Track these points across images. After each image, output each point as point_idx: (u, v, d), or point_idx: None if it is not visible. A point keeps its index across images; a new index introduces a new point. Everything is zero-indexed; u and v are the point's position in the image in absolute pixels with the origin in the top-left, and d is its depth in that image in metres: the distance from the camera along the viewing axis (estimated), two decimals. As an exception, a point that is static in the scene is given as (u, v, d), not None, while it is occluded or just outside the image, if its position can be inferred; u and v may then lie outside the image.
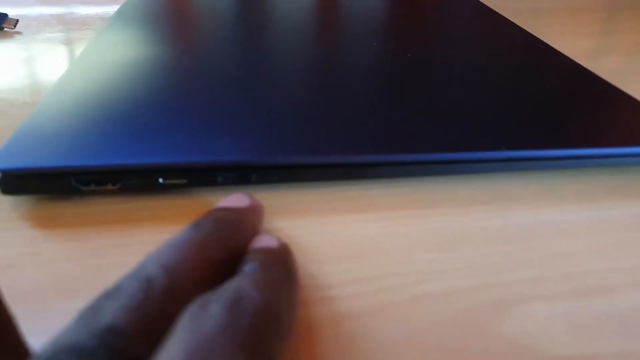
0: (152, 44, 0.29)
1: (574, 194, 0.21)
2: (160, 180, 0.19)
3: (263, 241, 0.15)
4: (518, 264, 0.17)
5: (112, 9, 0.44)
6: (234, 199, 0.16)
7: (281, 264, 0.14)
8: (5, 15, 0.37)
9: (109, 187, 0.19)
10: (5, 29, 0.37)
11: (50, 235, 0.17)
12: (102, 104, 0.22)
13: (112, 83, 0.24)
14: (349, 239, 0.18)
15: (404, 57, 0.29)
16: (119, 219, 0.18)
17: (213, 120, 0.21)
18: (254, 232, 0.16)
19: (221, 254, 0.13)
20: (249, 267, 0.13)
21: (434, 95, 0.24)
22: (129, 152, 0.19)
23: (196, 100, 0.22)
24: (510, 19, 0.38)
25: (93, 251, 0.17)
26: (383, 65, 0.28)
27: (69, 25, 0.39)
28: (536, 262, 0.17)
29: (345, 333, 0.14)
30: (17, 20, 0.37)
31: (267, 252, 0.14)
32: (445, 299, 0.15)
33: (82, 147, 0.19)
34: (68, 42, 0.36)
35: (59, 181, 0.18)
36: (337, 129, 0.21)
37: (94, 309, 0.11)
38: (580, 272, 0.17)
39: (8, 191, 0.18)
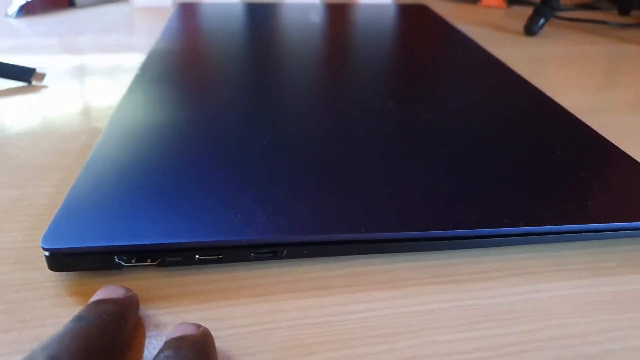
0: (177, 108, 0.31)
1: (589, 267, 0.22)
2: (197, 256, 0.20)
3: (180, 329, 0.16)
4: (541, 341, 0.18)
5: (132, 57, 0.46)
6: (110, 291, 0.17)
7: (199, 351, 0.14)
8: (34, 69, 0.39)
9: (149, 262, 0.20)
10: (34, 83, 0.39)
11: (97, 314, 0.18)
12: (137, 181, 0.23)
13: (144, 156, 0.25)
14: (368, 316, 0.19)
15: (419, 119, 0.30)
16: (156, 296, 0.19)
17: (246, 199, 0.22)
18: (133, 321, 0.17)
19: (103, 343, 0.14)
20: (162, 357, 0.14)
21: (450, 169, 0.25)
22: (167, 232, 0.20)
23: (228, 177, 0.24)
24: (517, 72, 0.39)
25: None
26: (400, 132, 0.29)
27: (92, 77, 0.41)
28: (559, 338, 0.18)
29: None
30: (45, 75, 0.39)
31: (183, 339, 0.15)
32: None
33: (122, 226, 0.20)
34: (94, 98, 0.37)
35: (103, 259, 0.20)
36: (360, 207, 0.22)
37: None
38: (599, 352, 0.18)
39: (56, 268, 0.20)
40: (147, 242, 0.19)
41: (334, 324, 0.18)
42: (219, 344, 0.17)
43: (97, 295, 0.17)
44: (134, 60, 0.45)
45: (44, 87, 0.39)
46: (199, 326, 0.16)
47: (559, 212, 0.22)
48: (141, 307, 0.19)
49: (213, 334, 0.17)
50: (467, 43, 0.48)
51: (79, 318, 0.15)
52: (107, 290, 0.17)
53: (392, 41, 0.48)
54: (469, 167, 0.25)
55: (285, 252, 0.20)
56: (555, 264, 0.22)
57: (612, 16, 0.70)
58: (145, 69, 0.37)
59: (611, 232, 0.22)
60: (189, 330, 0.15)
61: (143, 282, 0.20)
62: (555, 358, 0.17)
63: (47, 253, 0.19)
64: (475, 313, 0.19)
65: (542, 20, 0.58)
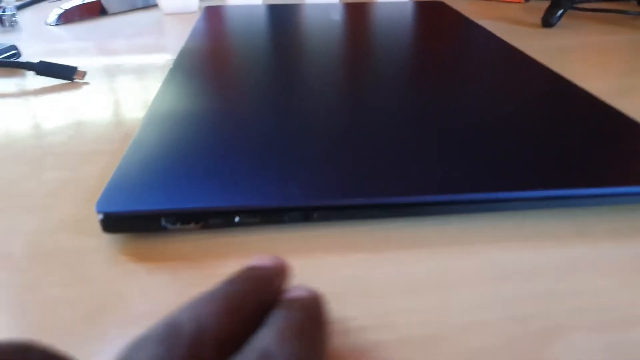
0: (211, 94, 0.33)
1: (608, 232, 0.23)
2: (237, 219, 0.22)
3: (293, 292, 0.16)
4: (556, 297, 0.19)
5: (162, 57, 0.49)
6: (263, 259, 0.17)
7: (310, 312, 0.14)
8: (75, 68, 0.41)
9: (192, 225, 0.22)
10: (76, 80, 0.41)
11: (148, 269, 0.20)
12: (179, 154, 0.25)
13: (185, 133, 0.27)
14: (395, 275, 0.20)
15: (439, 100, 0.32)
16: (203, 254, 0.21)
17: (280, 168, 0.24)
18: (283, 288, 0.16)
19: (252, 306, 0.14)
20: (276, 317, 0.14)
21: (471, 137, 0.27)
22: (210, 196, 0.22)
23: (263, 150, 0.26)
24: (537, 60, 0.40)
25: (186, 281, 0.20)
26: (420, 109, 0.30)
27: (128, 74, 0.44)
28: (574, 296, 0.19)
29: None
30: (86, 72, 0.42)
31: (296, 301, 0.15)
32: (486, 331, 0.17)
33: (169, 192, 0.22)
34: (132, 91, 0.40)
35: (151, 221, 0.22)
36: (386, 172, 0.23)
37: None
38: (618, 304, 0.18)
39: (109, 230, 0.22)
40: (191, 206, 0.21)
41: (363, 279, 0.20)
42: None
43: (250, 263, 0.17)
44: (165, 59, 0.48)
45: (85, 83, 0.41)
46: (311, 290, 0.16)
47: (579, 176, 0.23)
48: (189, 265, 0.21)
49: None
50: (487, 35, 0.49)
51: (229, 282, 0.15)
52: (259, 258, 0.17)
53: (412, 35, 0.49)
54: (494, 137, 0.27)
55: (315, 215, 0.22)
56: (576, 229, 0.23)
57: (631, 6, 0.70)
58: (177, 64, 0.39)
59: (633, 196, 0.23)
60: (301, 293, 0.15)
61: (188, 243, 0.22)
62: (574, 309, 0.18)
63: (101, 216, 0.21)
64: (496, 274, 0.20)
65: (560, 12, 0.59)
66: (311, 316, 0.14)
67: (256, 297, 0.15)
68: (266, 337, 0.12)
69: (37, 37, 0.57)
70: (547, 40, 0.55)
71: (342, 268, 0.20)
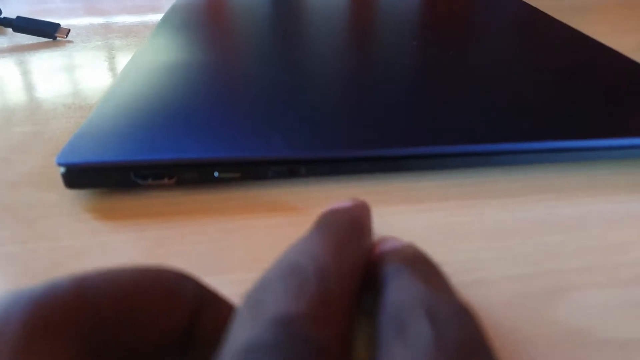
0: (198, 47, 0.30)
1: (623, 185, 0.20)
2: (216, 174, 0.19)
3: (390, 243, 0.14)
4: (570, 252, 0.17)
5: (156, 17, 0.46)
6: (343, 202, 0.16)
7: (422, 259, 0.13)
8: (58, 25, 0.39)
9: (166, 181, 0.19)
10: (58, 38, 0.39)
11: (113, 227, 0.18)
12: (156, 104, 0.23)
13: (165, 84, 0.25)
14: (400, 231, 0.18)
15: (449, 54, 0.29)
16: (176, 211, 0.19)
17: (264, 117, 0.21)
18: (369, 225, 0.15)
19: (355, 248, 0.13)
20: (394, 270, 0.12)
21: (484, 89, 0.24)
22: (185, 148, 0.19)
23: (246, 98, 0.23)
24: (555, 17, 0.37)
25: (155, 241, 0.17)
26: (429, 62, 0.28)
27: (116, 33, 0.41)
28: (588, 250, 0.17)
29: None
30: (69, 30, 0.39)
31: (403, 250, 0.13)
32: (498, 287, 0.15)
33: (140, 143, 0.20)
34: (117, 49, 0.37)
35: (119, 175, 0.19)
36: (383, 123, 0.21)
37: (254, 304, 0.10)
38: (633, 260, 0.16)
39: (72, 185, 0.19)
40: (163, 157, 0.19)
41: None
42: (242, 252, 0.17)
43: (330, 206, 0.16)
44: (157, 19, 0.45)
45: (69, 42, 0.39)
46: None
47: (590, 127, 0.20)
48: (160, 224, 0.18)
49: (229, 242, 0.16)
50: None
51: (323, 225, 0.14)
52: (335, 203, 0.16)
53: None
54: (507, 88, 0.24)
55: (303, 170, 0.20)
56: (587, 182, 0.20)
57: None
58: (166, 19, 0.37)
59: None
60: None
61: (160, 200, 0.20)
62: (589, 265, 0.16)
63: (62, 169, 0.19)
64: (501, 227, 0.18)
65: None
66: (428, 262, 0.13)
67: (357, 239, 0.13)
68: (411, 290, 0.11)
69: (24, -2, 0.54)
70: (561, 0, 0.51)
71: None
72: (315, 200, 0.19)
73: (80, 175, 0.19)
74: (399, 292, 0.11)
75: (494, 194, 0.20)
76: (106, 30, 0.42)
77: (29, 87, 0.30)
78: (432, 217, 0.18)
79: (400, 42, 0.31)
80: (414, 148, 0.20)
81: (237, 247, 0.17)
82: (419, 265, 0.12)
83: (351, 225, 0.14)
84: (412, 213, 0.19)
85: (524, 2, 0.42)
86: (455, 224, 0.18)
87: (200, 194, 0.20)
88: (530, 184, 0.20)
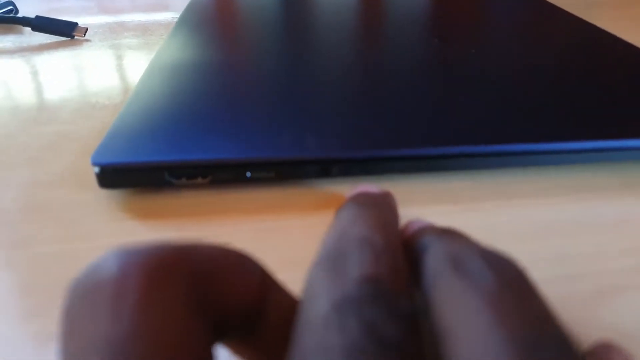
0: (221, 46, 0.30)
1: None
2: (248, 174, 0.19)
3: (417, 223, 0.15)
4: (613, 253, 0.17)
5: (169, 15, 0.46)
6: (368, 187, 0.16)
7: (454, 230, 0.13)
8: (76, 24, 0.39)
9: (199, 180, 0.20)
10: (76, 37, 0.39)
11: (149, 226, 0.18)
12: (185, 103, 0.23)
13: (192, 83, 0.25)
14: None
15: (471, 53, 0.29)
16: (210, 211, 0.19)
17: (295, 117, 0.21)
18: (396, 210, 0.16)
19: (393, 228, 0.13)
20: (433, 237, 0.13)
21: (515, 88, 0.24)
22: (219, 147, 0.19)
23: (275, 97, 0.23)
24: (571, 12, 0.37)
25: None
26: (453, 60, 0.28)
27: (132, 31, 0.41)
28: (631, 251, 0.17)
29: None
30: (87, 29, 0.39)
31: (434, 226, 0.14)
32: (542, 288, 0.15)
33: (173, 143, 0.20)
34: (135, 48, 0.37)
35: (153, 175, 0.19)
36: (414, 123, 0.21)
37: (330, 272, 0.11)
38: None
39: (106, 185, 0.19)
40: (198, 157, 0.19)
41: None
42: (277, 252, 0.17)
43: (358, 190, 0.16)
44: (171, 17, 0.45)
45: (86, 40, 0.39)
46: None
47: (628, 127, 0.20)
48: (195, 224, 0.18)
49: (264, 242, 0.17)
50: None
51: (345, 208, 0.14)
52: (364, 187, 0.16)
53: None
54: (538, 87, 0.24)
55: (335, 170, 0.20)
56: (623, 182, 0.20)
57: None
58: (184, 18, 0.37)
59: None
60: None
61: (194, 199, 0.20)
62: (634, 266, 0.16)
63: (97, 169, 0.19)
64: (542, 227, 0.18)
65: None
66: (380, 205, 0.14)
67: (393, 219, 0.14)
68: (464, 247, 0.11)
69: (37, -3, 0.55)
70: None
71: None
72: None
73: (115, 175, 0.19)
74: (446, 245, 0.12)
75: (529, 194, 0.20)
76: (122, 28, 0.42)
77: (51, 86, 0.30)
78: (467, 218, 0.18)
79: (421, 40, 0.31)
80: (446, 148, 0.20)
81: (272, 248, 0.17)
82: (455, 233, 0.13)
83: (390, 208, 0.15)
84: (446, 214, 0.19)
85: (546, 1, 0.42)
86: (492, 224, 0.18)
87: (233, 193, 0.20)
88: (566, 184, 0.20)
